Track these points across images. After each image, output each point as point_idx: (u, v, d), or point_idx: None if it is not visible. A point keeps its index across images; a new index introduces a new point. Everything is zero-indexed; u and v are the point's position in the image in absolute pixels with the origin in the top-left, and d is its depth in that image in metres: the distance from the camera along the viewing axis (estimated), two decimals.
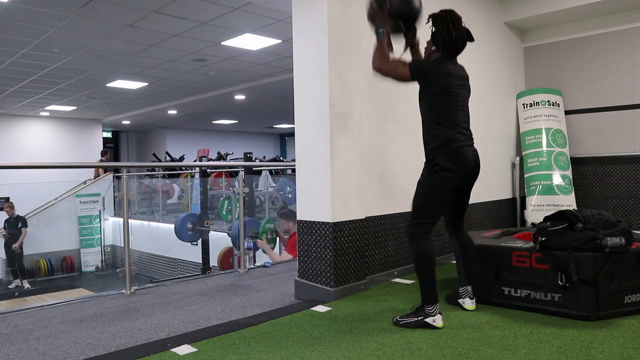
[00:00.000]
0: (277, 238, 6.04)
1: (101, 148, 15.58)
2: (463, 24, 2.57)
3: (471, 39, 2.59)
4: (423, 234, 2.53)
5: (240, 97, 11.31)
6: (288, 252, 5.40)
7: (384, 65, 2.55)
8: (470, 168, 2.57)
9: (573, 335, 2.34)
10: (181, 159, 13.13)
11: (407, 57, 2.73)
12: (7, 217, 10.54)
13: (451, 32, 2.52)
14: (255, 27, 6.36)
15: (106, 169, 12.87)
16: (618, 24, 4.77)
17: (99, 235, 12.66)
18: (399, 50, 2.72)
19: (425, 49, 2.71)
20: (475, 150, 2.64)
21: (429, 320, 2.48)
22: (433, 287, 2.51)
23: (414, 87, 3.94)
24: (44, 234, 11.74)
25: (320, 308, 2.91)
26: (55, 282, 11.29)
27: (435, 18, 2.57)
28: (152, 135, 18.19)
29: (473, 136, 2.66)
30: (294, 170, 3.90)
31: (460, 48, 2.59)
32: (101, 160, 13.71)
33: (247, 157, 8.61)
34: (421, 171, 2.61)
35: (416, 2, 2.60)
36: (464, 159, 2.53)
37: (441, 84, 2.53)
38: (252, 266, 4.48)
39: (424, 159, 2.62)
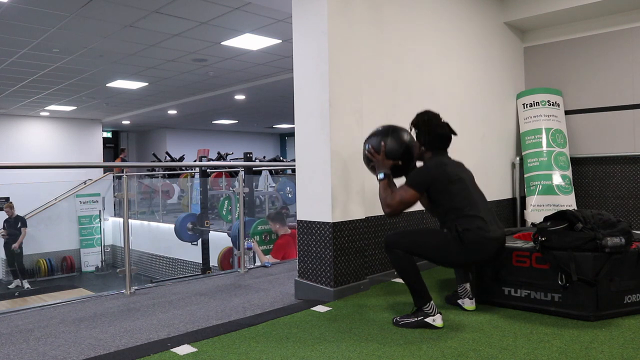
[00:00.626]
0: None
1: (101, 148, 15.56)
2: (442, 120, 2.65)
3: (453, 133, 2.66)
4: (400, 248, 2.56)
5: (240, 97, 11.31)
6: (273, 257, 5.26)
7: (394, 206, 2.55)
8: (490, 256, 2.58)
9: (573, 335, 2.34)
10: (181, 159, 13.13)
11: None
12: (7, 217, 10.54)
13: (433, 133, 2.62)
14: (255, 27, 6.36)
15: (122, 169, 12.31)
16: (618, 24, 4.77)
17: (99, 235, 12.66)
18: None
19: (413, 150, 2.72)
20: (504, 238, 2.62)
21: (428, 320, 2.48)
22: (422, 287, 2.52)
23: (414, 88, 3.95)
24: (44, 234, 11.75)
25: (320, 308, 2.91)
26: (55, 282, 11.29)
27: (415, 124, 2.67)
28: (152, 135, 18.20)
29: (496, 218, 2.65)
30: (294, 170, 3.90)
31: (446, 143, 2.66)
32: (121, 159, 13.44)
33: (247, 157, 8.62)
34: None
35: (407, 137, 2.70)
36: (486, 252, 2.53)
37: (444, 178, 2.55)
38: (252, 266, 4.48)
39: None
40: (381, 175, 2.62)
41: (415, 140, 2.71)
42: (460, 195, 2.55)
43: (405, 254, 2.52)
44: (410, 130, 2.71)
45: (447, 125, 2.66)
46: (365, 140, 2.77)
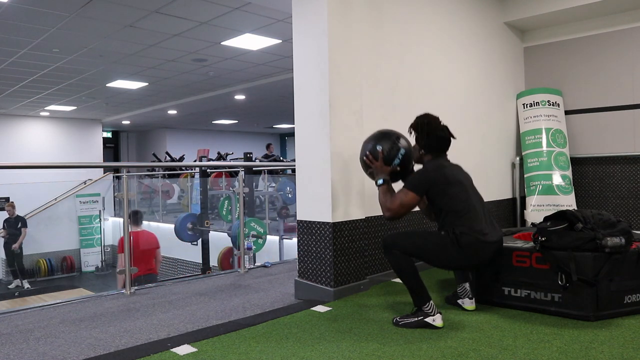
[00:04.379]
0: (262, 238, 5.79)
1: (101, 148, 15.55)
2: (441, 123, 2.65)
3: (452, 137, 2.66)
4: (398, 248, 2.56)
5: (240, 97, 11.31)
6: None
7: (394, 210, 2.55)
8: (486, 260, 2.59)
9: (573, 335, 2.34)
10: (181, 159, 13.12)
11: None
12: (7, 216, 10.54)
13: (432, 136, 2.62)
14: (255, 27, 6.36)
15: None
16: (618, 24, 4.77)
17: (99, 235, 12.66)
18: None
19: (413, 153, 2.74)
20: (501, 241, 2.64)
21: (428, 319, 2.48)
22: (421, 288, 2.52)
23: (414, 87, 3.95)
24: (44, 234, 11.74)
25: (320, 308, 2.91)
26: (55, 282, 11.29)
27: (414, 127, 2.67)
28: (152, 135, 18.19)
29: (494, 224, 2.65)
30: (294, 170, 3.90)
31: (445, 146, 2.66)
32: (265, 154, 12.61)
33: (247, 157, 8.61)
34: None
35: (404, 142, 2.70)
36: (483, 256, 2.55)
37: (443, 180, 2.56)
38: (252, 266, 4.48)
39: None
40: (380, 181, 2.62)
41: (413, 143, 2.72)
42: (459, 198, 2.55)
43: (403, 255, 2.53)
44: (410, 133, 2.71)
45: (446, 128, 2.66)
46: (363, 146, 2.77)
